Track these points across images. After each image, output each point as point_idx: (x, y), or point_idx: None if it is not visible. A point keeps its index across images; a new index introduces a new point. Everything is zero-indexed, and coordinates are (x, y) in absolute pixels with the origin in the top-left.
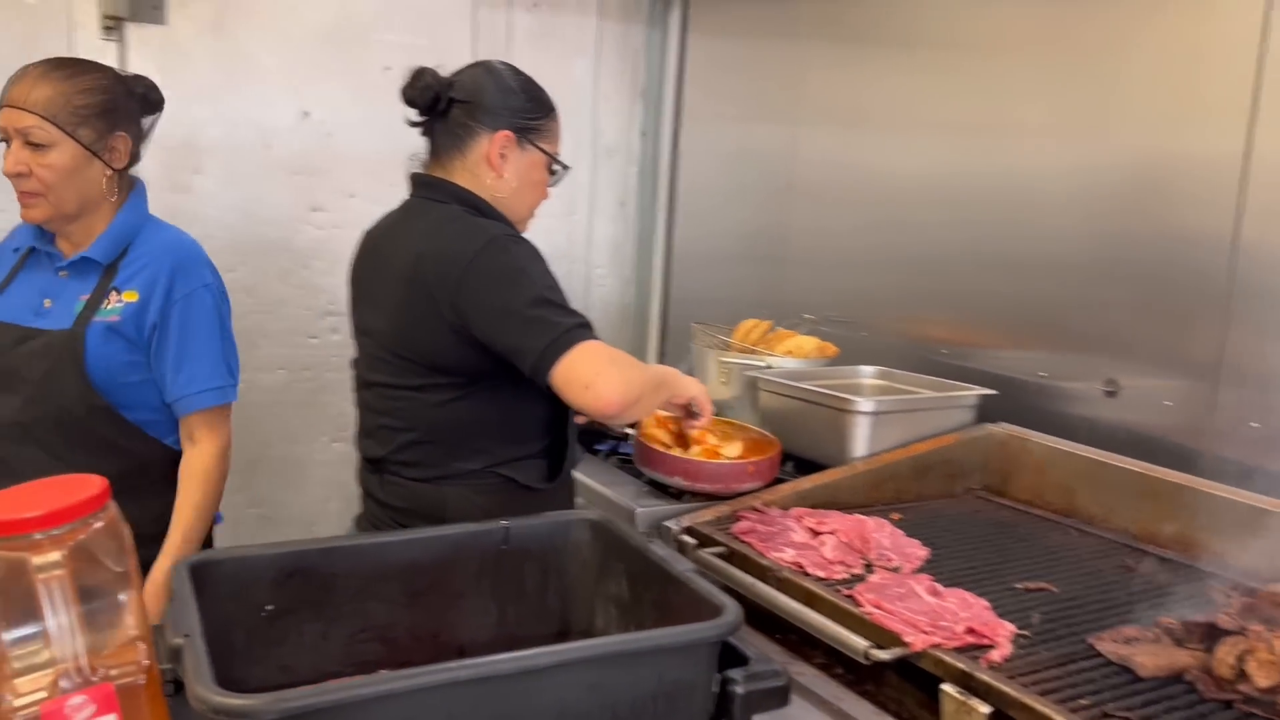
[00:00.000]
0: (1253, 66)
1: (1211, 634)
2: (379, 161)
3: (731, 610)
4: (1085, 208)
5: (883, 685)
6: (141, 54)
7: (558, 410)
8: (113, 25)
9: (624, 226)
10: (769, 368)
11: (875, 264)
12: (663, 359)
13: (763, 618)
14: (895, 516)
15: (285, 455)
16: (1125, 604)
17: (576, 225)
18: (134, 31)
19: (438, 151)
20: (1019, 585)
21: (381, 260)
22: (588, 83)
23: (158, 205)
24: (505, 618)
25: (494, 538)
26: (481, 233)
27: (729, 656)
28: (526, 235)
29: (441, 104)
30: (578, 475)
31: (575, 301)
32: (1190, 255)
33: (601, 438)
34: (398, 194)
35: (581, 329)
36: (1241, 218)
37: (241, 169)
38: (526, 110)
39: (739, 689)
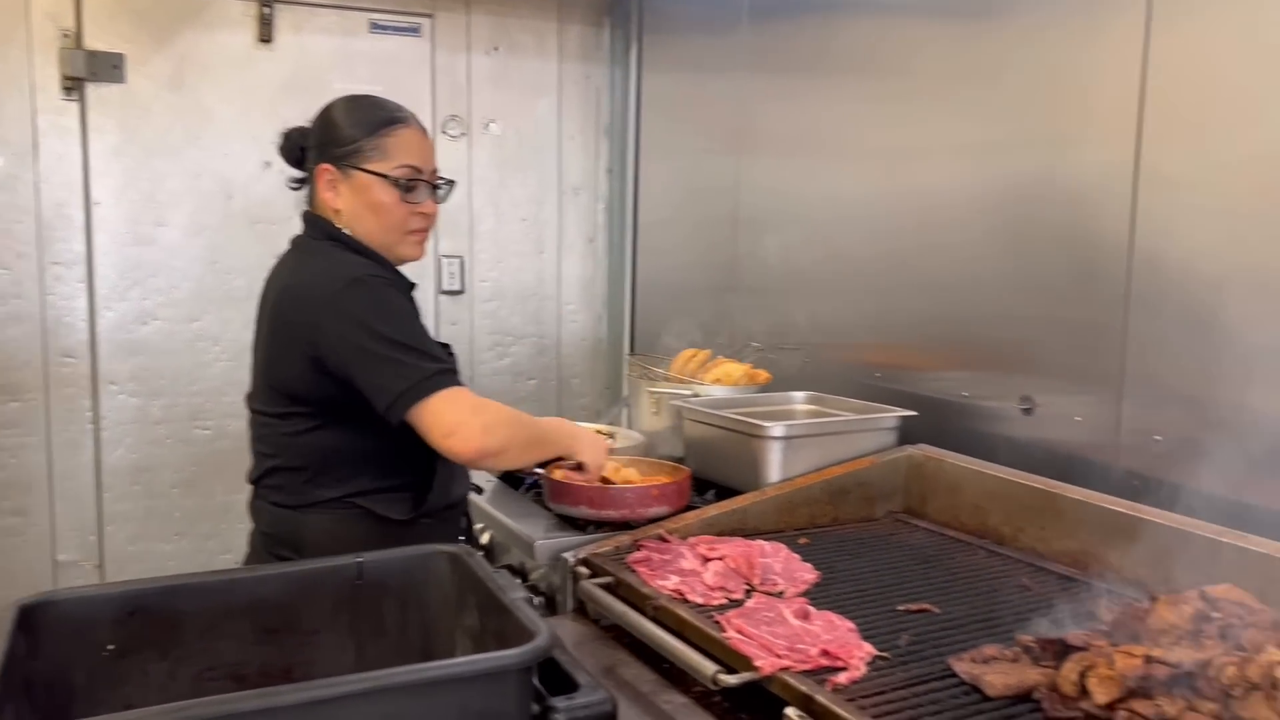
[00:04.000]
0: (1136, 84)
1: (1063, 651)
2: None
3: (542, 636)
4: (994, 226)
5: (756, 714)
6: (101, 112)
7: (426, 445)
8: (72, 86)
9: (593, 262)
10: (695, 396)
11: (816, 291)
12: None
13: (648, 647)
14: (802, 541)
15: None
16: (1006, 624)
17: (546, 263)
18: (93, 91)
19: (309, 198)
20: (901, 607)
21: (265, 295)
22: (551, 122)
23: (122, 258)
24: (364, 654)
25: (348, 573)
26: (345, 272)
27: (562, 683)
28: (501, 272)
29: (300, 154)
30: (487, 508)
31: (548, 338)
32: (1090, 270)
33: (522, 476)
34: None
35: (443, 375)
36: (1134, 230)
37: (204, 220)
38: (342, 139)
39: (560, 717)
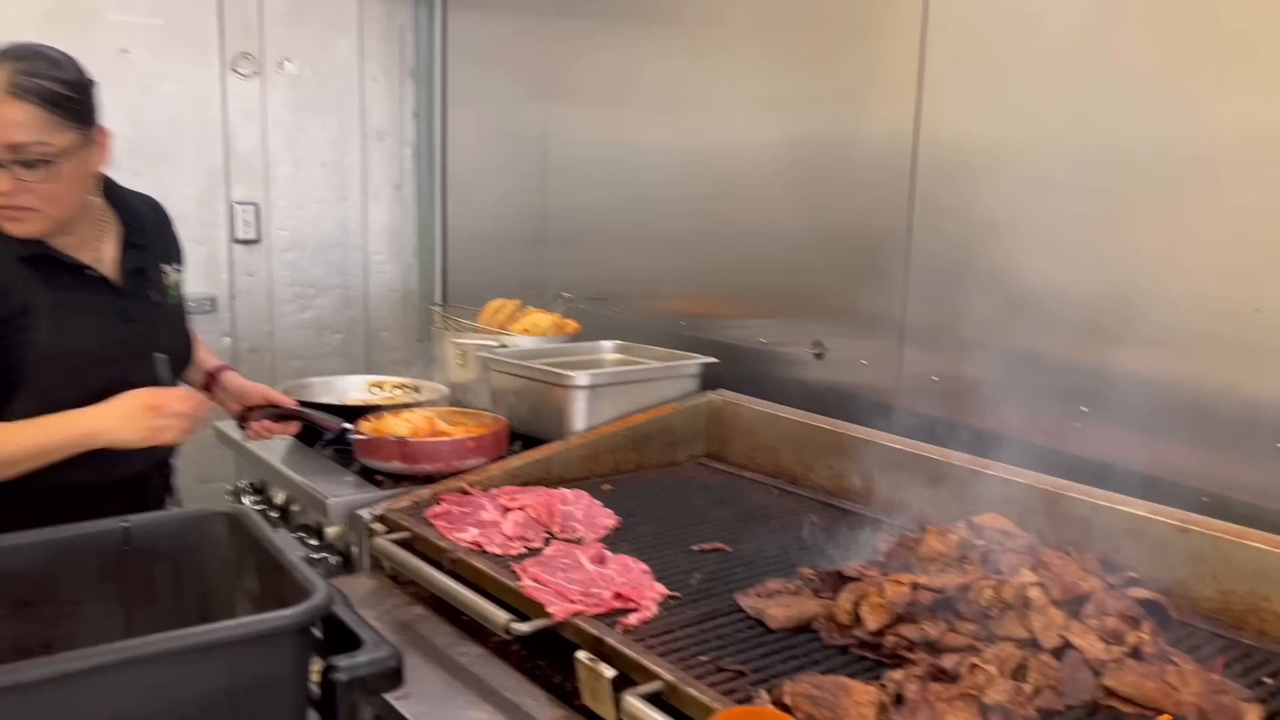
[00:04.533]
0: (916, 46)
1: (839, 582)
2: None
3: (319, 595)
4: (790, 179)
5: (554, 660)
6: None
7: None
8: None
9: (401, 211)
10: (502, 347)
11: (624, 241)
12: None
13: (446, 601)
14: (606, 488)
15: None
16: (793, 559)
17: (350, 210)
18: None
19: None
20: (696, 547)
21: None
22: (352, 62)
23: None
24: (134, 623)
25: (112, 539)
26: None
27: (348, 642)
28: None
29: None
30: (280, 467)
31: (355, 290)
32: (876, 222)
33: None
34: (143, 182)
35: None
36: (914, 187)
37: None
38: None
39: (341, 676)
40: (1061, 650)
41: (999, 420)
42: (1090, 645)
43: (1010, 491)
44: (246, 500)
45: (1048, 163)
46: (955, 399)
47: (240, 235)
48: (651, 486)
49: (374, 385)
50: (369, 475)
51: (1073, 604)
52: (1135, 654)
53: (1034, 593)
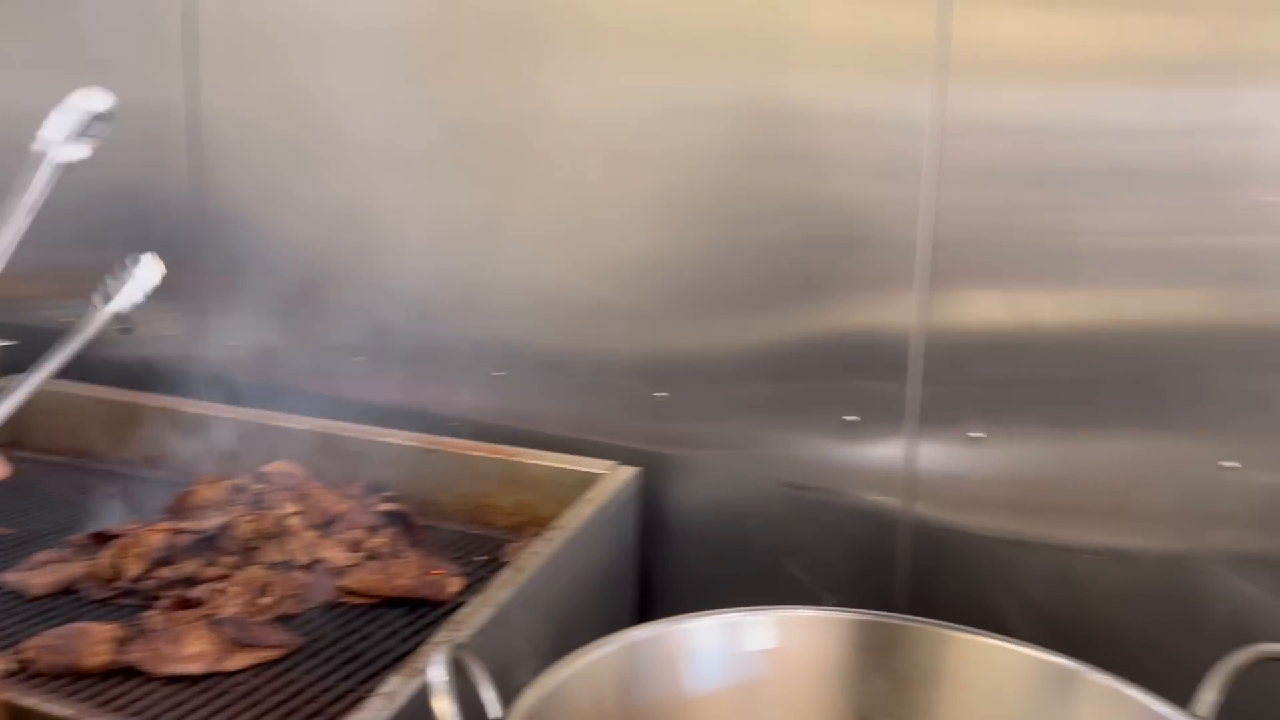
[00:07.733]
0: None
1: (103, 540)
2: None
3: None
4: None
5: None
6: None
7: None
8: None
9: None
10: None
11: None
12: None
13: None
14: None
15: None
16: (76, 531)
17: None
18: None
19: None
20: None
21: None
22: None
23: None
24: None
25: None
26: None
27: None
28: None
29: None
30: None
31: None
32: (164, 194)
33: None
34: None
35: None
36: (191, 156)
37: None
38: None
39: None
40: (313, 565)
41: (293, 376)
42: (335, 556)
43: (297, 438)
44: None
45: (371, 147)
46: (255, 362)
47: None
48: None
49: None
50: None
51: (327, 525)
52: (374, 556)
53: (292, 521)
